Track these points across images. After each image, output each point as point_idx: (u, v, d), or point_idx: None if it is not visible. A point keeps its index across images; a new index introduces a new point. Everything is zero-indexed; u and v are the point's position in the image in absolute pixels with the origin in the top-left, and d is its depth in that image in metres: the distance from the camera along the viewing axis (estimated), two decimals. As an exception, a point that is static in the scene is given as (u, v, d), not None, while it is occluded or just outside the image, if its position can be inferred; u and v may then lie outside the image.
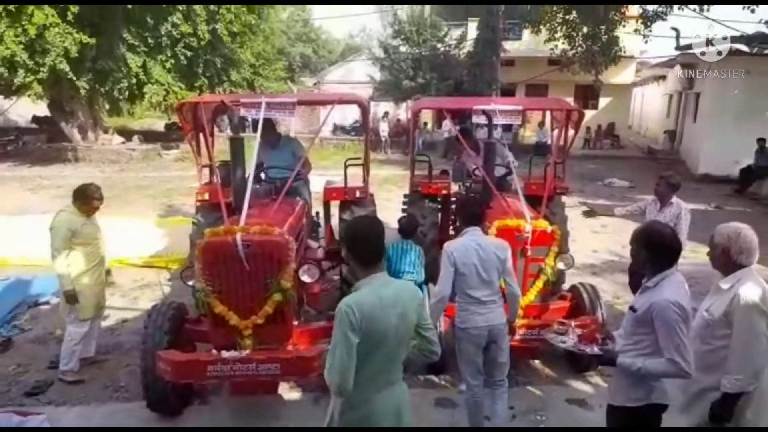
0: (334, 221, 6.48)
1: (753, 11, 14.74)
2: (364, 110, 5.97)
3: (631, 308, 2.85)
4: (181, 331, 4.18)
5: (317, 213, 6.75)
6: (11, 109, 22.89)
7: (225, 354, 3.70)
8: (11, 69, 15.32)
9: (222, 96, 5.48)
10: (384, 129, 23.27)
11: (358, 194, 5.83)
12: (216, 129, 6.68)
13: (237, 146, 4.52)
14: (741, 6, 14.87)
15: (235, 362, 3.66)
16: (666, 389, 2.82)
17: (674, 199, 5.30)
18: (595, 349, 2.95)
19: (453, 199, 7.14)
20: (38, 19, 14.53)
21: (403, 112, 25.75)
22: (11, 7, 14.28)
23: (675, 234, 2.86)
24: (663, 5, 17.04)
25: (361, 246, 2.49)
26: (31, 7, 14.43)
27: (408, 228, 5.55)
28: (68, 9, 14.94)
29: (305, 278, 4.11)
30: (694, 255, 8.84)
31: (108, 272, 5.32)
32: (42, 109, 21.51)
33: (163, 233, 9.08)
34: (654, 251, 2.79)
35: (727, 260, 2.85)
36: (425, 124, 23.73)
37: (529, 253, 4.48)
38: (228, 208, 4.54)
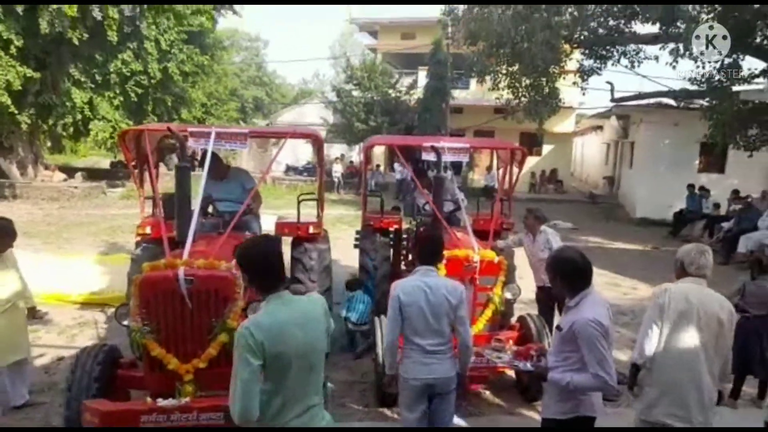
0: (286, 258, 6.30)
1: (674, 67, 16.07)
2: (320, 144, 5.90)
3: (557, 327, 3.04)
4: (113, 376, 3.80)
5: None
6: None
7: (161, 402, 3.33)
8: (-54, 102, 14.73)
9: (168, 124, 5.28)
10: (337, 170, 23.55)
11: (311, 230, 5.59)
12: (164, 167, 6.43)
13: (183, 175, 4.20)
14: (665, 63, 16.16)
15: (173, 411, 3.29)
16: (594, 402, 2.96)
17: (543, 228, 5.95)
18: (528, 365, 3.11)
19: (404, 235, 7.28)
20: (-21, 51, 14.13)
21: (355, 155, 26.14)
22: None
23: (581, 255, 3.03)
24: (597, 61, 18.33)
25: (259, 266, 2.43)
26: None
27: (354, 285, 6.25)
28: (12, 42, 14.60)
29: None
30: (634, 291, 9.33)
31: (33, 310, 4.92)
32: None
33: (103, 270, 8.70)
34: (567, 275, 2.99)
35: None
36: (377, 165, 24.13)
37: (478, 282, 4.61)
38: (171, 242, 4.21)
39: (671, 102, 18.24)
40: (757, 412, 4.19)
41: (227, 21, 21.37)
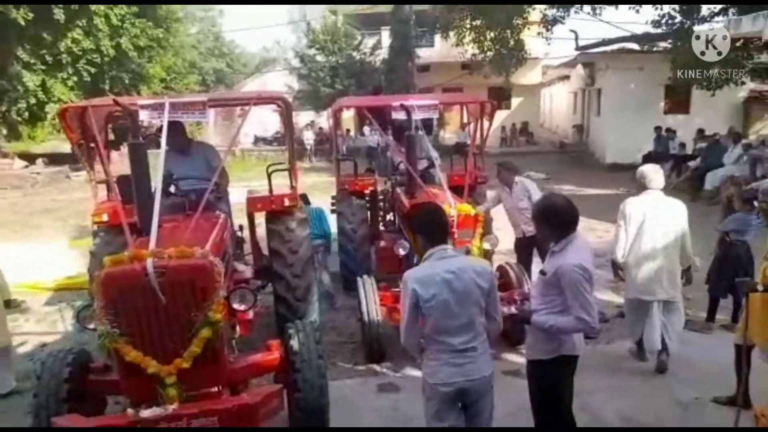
0: (260, 234, 5.90)
1: (638, 11, 16.08)
2: (287, 108, 5.48)
3: (541, 272, 3.09)
4: (84, 382, 3.43)
5: (240, 227, 5.97)
6: None
7: (145, 413, 2.94)
8: None
9: (114, 98, 4.69)
10: (309, 138, 23.23)
11: (287, 202, 5.24)
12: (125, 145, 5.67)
13: (137, 154, 3.79)
14: (627, 7, 16.19)
15: (159, 422, 2.92)
16: (576, 342, 3.06)
17: (517, 179, 5.97)
18: (513, 309, 3.14)
19: (380, 196, 7.31)
20: None
21: (324, 121, 25.77)
22: None
23: (568, 201, 3.06)
24: (560, 10, 18.23)
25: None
26: None
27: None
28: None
29: (239, 306, 3.56)
30: (608, 234, 9.55)
31: (9, 302, 4.82)
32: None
33: (77, 254, 8.56)
34: (552, 222, 3.02)
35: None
36: (347, 130, 23.89)
37: (456, 236, 4.64)
38: (133, 229, 3.75)
39: (635, 46, 18.35)
40: (729, 336, 4.41)
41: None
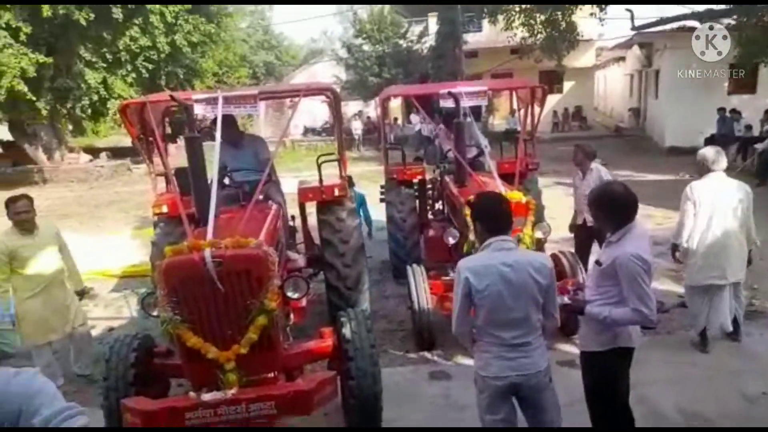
0: (312, 223, 6.02)
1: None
2: (336, 99, 5.60)
3: (597, 262, 3.00)
4: (149, 365, 3.60)
5: (293, 216, 6.11)
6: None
7: (206, 396, 3.07)
8: (-35, 94, 14.92)
9: (170, 93, 4.86)
10: (357, 127, 23.39)
11: (337, 192, 5.31)
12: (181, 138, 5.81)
13: (194, 147, 3.92)
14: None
15: (219, 405, 3.03)
16: (631, 334, 2.97)
17: (593, 165, 5.69)
18: (566, 299, 3.07)
19: (429, 185, 7.28)
20: (-9, 41, 14.24)
21: (372, 110, 25.84)
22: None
23: (627, 189, 2.95)
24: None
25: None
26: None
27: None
28: (21, 30, 14.65)
29: (292, 294, 3.63)
30: (668, 220, 9.18)
31: (83, 292, 4.97)
32: (3, 133, 21.00)
33: (140, 243, 9.00)
34: (609, 210, 2.93)
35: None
36: (395, 119, 23.88)
37: (508, 224, 4.56)
38: (191, 219, 3.93)
39: (696, 24, 17.41)
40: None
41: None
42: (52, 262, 4.55)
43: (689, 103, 16.41)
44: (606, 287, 2.91)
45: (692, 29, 17.31)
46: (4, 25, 14.66)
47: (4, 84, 14.75)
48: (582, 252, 5.60)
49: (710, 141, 15.02)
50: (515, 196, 4.67)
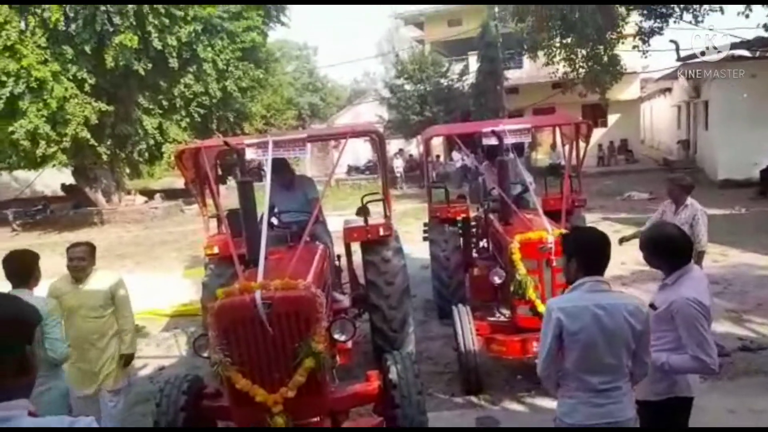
0: (357, 261, 5.97)
1: (747, 16, 14.93)
2: (381, 140, 5.73)
3: (651, 306, 2.86)
4: (198, 407, 3.60)
5: (338, 256, 6.06)
6: (38, 180, 23.73)
7: None
8: (33, 141, 15.90)
9: (224, 138, 5.01)
10: (399, 165, 23.68)
11: (382, 232, 5.30)
12: (230, 179, 6.02)
13: (246, 190, 4.04)
14: (736, 13, 15.08)
15: None
16: (690, 382, 2.83)
17: (689, 201, 5.27)
18: None
19: (473, 222, 7.22)
20: (58, 92, 15.29)
21: (414, 148, 26.13)
22: (33, 83, 15.05)
23: (679, 231, 2.87)
24: (657, 21, 17.34)
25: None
26: (51, 83, 15.20)
27: None
28: (85, 81, 15.74)
29: (339, 336, 3.60)
30: (724, 258, 8.79)
31: (131, 357, 4.41)
32: (67, 178, 22.26)
33: (191, 283, 9.26)
34: (661, 253, 2.85)
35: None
36: (437, 156, 24.03)
37: (555, 264, 4.49)
38: (240, 260, 3.96)
39: (745, 53, 16.96)
40: None
41: (276, 33, 21.90)
42: (91, 319, 4.13)
43: (742, 134, 15.87)
44: (662, 332, 2.78)
45: (742, 58, 16.95)
46: (71, 77, 15.76)
47: (69, 132, 15.73)
48: None
49: (766, 173, 14.43)
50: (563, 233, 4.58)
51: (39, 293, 3.78)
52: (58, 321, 3.58)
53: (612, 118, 26.40)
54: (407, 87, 24.23)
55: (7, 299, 1.51)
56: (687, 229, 5.09)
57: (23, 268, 3.65)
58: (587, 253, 2.62)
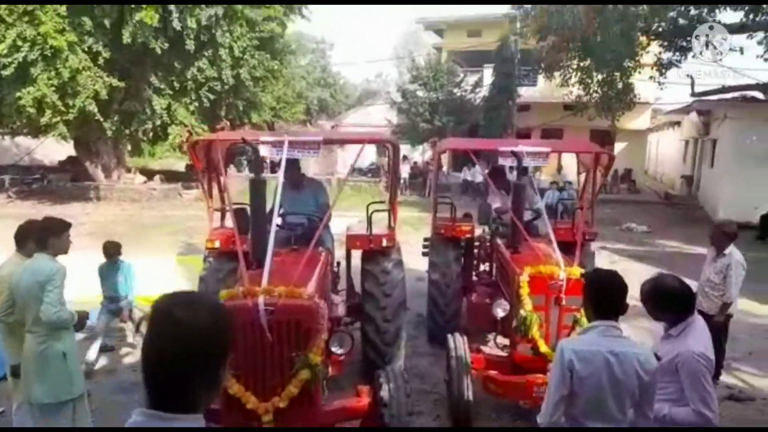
0: (354, 270, 5.83)
1: (766, 60, 14.96)
2: (395, 150, 5.60)
3: (655, 356, 2.79)
4: None
5: (338, 263, 6.01)
6: (39, 150, 23.52)
7: None
8: (39, 109, 15.70)
9: (242, 132, 4.92)
10: (403, 171, 23.58)
11: (385, 242, 5.20)
12: (233, 169, 5.99)
13: (258, 189, 4.00)
14: (755, 55, 15.11)
15: None
16: None
17: (729, 249, 5.11)
18: None
19: (477, 243, 7.03)
20: (72, 63, 15.14)
21: (418, 155, 26.05)
22: (47, 52, 14.89)
23: (680, 282, 2.82)
24: (677, 54, 17.35)
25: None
26: (66, 52, 15.04)
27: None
28: (100, 54, 15.59)
29: (337, 350, 3.59)
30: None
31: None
32: (69, 151, 22.05)
33: (183, 271, 9.13)
34: (666, 306, 2.82)
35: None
36: (439, 167, 23.95)
37: (564, 303, 4.31)
38: (245, 258, 3.91)
39: (759, 95, 16.99)
40: None
41: (294, 25, 21.72)
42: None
43: (746, 176, 15.85)
44: (665, 383, 2.74)
45: (756, 100, 16.97)
46: (86, 49, 15.60)
47: (77, 103, 15.57)
48: None
49: (766, 219, 14.41)
50: (575, 272, 4.37)
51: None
52: (57, 286, 3.63)
53: (619, 146, 26.37)
54: (420, 93, 24.17)
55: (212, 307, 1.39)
56: (719, 278, 5.05)
57: (42, 231, 3.81)
58: (600, 296, 2.59)
